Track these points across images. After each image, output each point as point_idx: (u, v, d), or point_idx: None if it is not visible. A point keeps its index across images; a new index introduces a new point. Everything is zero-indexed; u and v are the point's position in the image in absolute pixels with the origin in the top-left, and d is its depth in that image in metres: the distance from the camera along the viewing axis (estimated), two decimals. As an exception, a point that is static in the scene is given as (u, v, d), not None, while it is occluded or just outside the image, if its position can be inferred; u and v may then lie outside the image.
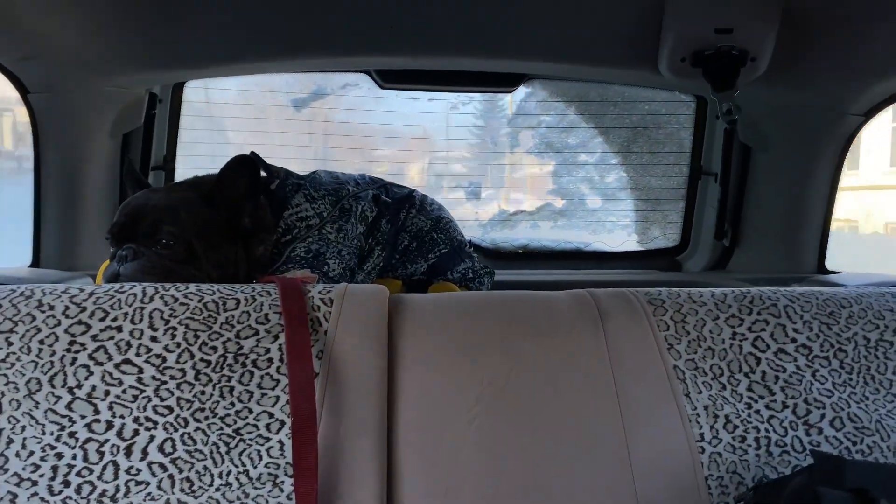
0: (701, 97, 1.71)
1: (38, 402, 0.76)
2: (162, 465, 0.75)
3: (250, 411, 0.78)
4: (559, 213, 1.87)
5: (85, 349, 0.78)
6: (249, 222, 1.08)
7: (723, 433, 0.85)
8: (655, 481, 0.82)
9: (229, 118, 1.74)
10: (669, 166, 1.79)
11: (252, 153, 1.14)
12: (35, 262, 1.39)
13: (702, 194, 1.76)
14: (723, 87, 1.19)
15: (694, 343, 0.90)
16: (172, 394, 0.78)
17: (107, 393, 0.77)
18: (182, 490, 0.75)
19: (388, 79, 1.62)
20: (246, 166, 1.07)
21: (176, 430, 0.77)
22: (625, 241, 1.87)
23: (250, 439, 0.77)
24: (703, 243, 1.77)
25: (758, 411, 0.86)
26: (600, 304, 0.93)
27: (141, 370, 0.78)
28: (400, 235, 1.28)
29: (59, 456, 0.74)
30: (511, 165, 1.89)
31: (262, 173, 1.15)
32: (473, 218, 1.87)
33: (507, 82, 1.65)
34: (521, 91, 1.74)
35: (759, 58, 1.16)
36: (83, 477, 0.74)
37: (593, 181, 1.84)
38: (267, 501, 0.75)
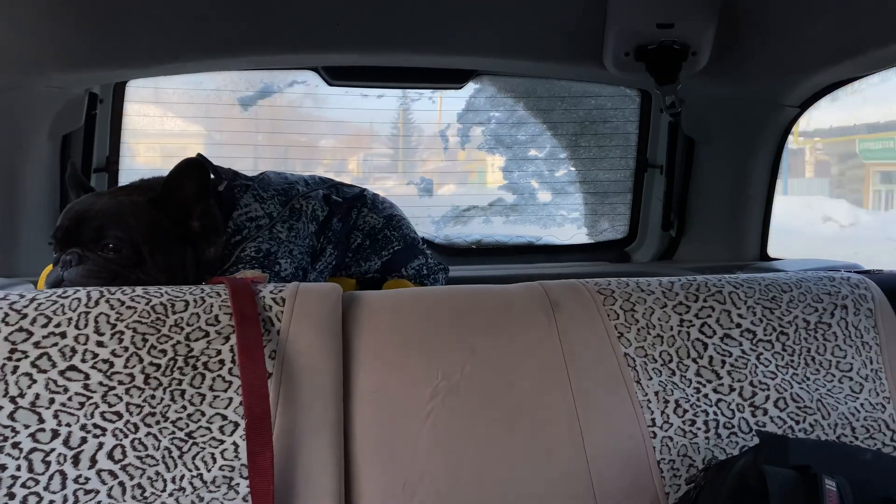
0: (646, 92, 1.74)
1: None
2: (112, 473, 0.73)
3: (203, 414, 0.77)
4: (511, 208, 1.89)
5: (27, 357, 0.76)
6: (198, 225, 1.06)
7: (673, 418, 0.87)
8: (610, 467, 0.84)
9: (174, 118, 1.70)
10: (616, 160, 1.83)
11: (199, 154, 1.12)
12: (-30, 270, 1.34)
13: (648, 187, 1.80)
14: (665, 80, 1.22)
15: (643, 331, 0.92)
16: (121, 399, 0.76)
17: (51, 401, 0.75)
18: (133, 497, 0.73)
19: (337, 75, 1.61)
20: (194, 169, 1.05)
21: (126, 435, 0.75)
22: (575, 234, 1.90)
23: (203, 442, 0.76)
24: (650, 234, 1.81)
25: (706, 395, 0.89)
26: (552, 296, 0.95)
27: (87, 376, 0.76)
28: (352, 234, 1.27)
29: (3, 468, 0.72)
30: (462, 161, 1.90)
31: (211, 175, 1.13)
32: (426, 215, 1.87)
33: (457, 78, 1.66)
34: (470, 87, 1.75)
35: (699, 52, 1.19)
36: (28, 488, 0.72)
37: (543, 176, 1.87)
38: (222, 504, 0.74)
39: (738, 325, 0.94)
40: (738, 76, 1.41)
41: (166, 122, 1.69)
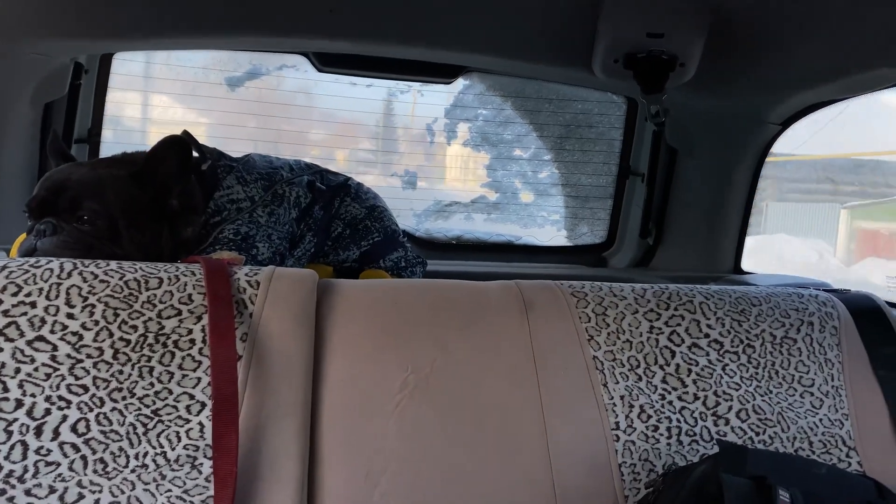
0: (632, 99, 1.76)
1: None
2: (74, 446, 0.73)
3: (170, 392, 0.77)
4: (493, 206, 1.90)
5: None
6: (177, 203, 1.05)
7: (637, 422, 0.88)
8: (572, 467, 0.85)
9: (159, 93, 1.68)
10: (599, 165, 1.84)
11: (184, 132, 1.11)
12: (-57, 234, 1.32)
13: (629, 193, 1.82)
14: (652, 89, 1.23)
15: (613, 335, 0.93)
16: (88, 373, 0.76)
17: (17, 370, 0.74)
18: (95, 471, 0.73)
19: (327, 62, 1.60)
20: (178, 146, 1.04)
21: (91, 409, 0.74)
22: (554, 235, 1.91)
23: (169, 420, 0.76)
24: (628, 241, 1.83)
25: (671, 402, 0.90)
26: (526, 295, 0.95)
27: (55, 347, 0.76)
28: (333, 222, 1.27)
29: (-37, 435, 0.71)
30: (447, 157, 1.90)
31: (195, 154, 1.12)
32: (408, 207, 1.88)
33: (446, 73, 1.66)
34: (460, 83, 1.75)
35: (687, 63, 1.21)
36: (-12, 457, 0.71)
37: (526, 176, 1.88)
38: (184, 483, 0.74)
39: (707, 336, 0.95)
40: (724, 90, 1.43)
41: (151, 97, 1.68)
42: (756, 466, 0.73)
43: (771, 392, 0.94)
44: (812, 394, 0.95)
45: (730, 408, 0.91)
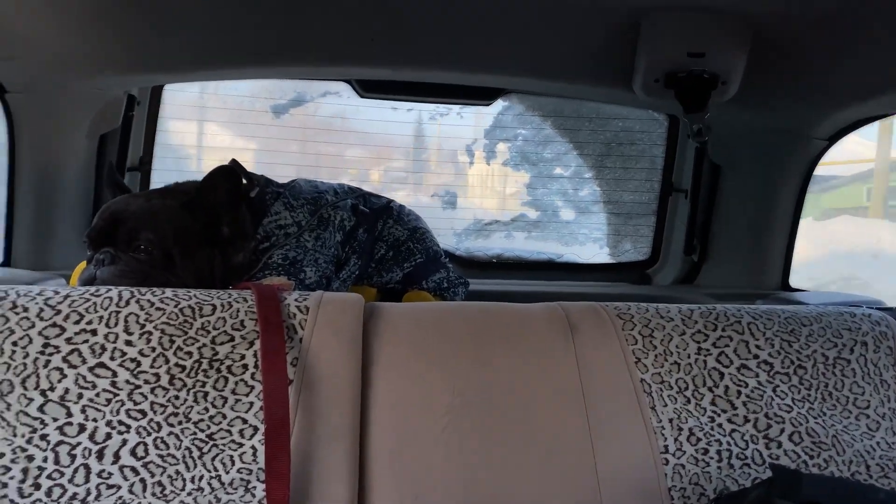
0: (674, 115, 1.75)
1: (9, 405, 0.76)
2: (134, 469, 0.75)
3: (224, 416, 0.79)
4: (533, 225, 1.90)
5: (59, 352, 0.78)
6: (228, 230, 1.08)
7: (686, 445, 0.87)
8: (620, 491, 0.84)
9: (207, 122, 1.74)
10: (641, 182, 1.83)
11: (233, 161, 1.15)
12: (6, 262, 1.37)
13: (672, 210, 1.80)
14: (694, 108, 1.22)
15: (661, 357, 0.92)
16: (146, 398, 0.78)
17: (80, 396, 0.77)
18: (154, 494, 0.75)
19: (369, 88, 1.63)
20: (227, 175, 1.07)
21: (149, 434, 0.77)
22: (596, 253, 1.90)
23: (223, 444, 0.78)
24: (672, 258, 1.81)
25: (720, 425, 0.89)
26: (571, 317, 0.95)
27: (115, 374, 0.78)
28: (377, 245, 1.29)
29: (30, 458, 0.74)
30: (487, 176, 1.92)
31: (243, 181, 1.16)
32: (448, 227, 1.89)
33: (486, 95, 1.67)
34: (499, 104, 1.77)
35: (729, 82, 1.19)
36: (54, 480, 0.74)
37: (567, 194, 1.88)
38: (238, 506, 0.76)
39: (756, 357, 0.94)
40: (767, 107, 1.41)
41: (199, 126, 1.73)
42: (812, 492, 0.71)
43: (825, 414, 0.92)
44: (868, 416, 0.93)
45: (782, 430, 0.89)
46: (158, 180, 1.59)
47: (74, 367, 0.78)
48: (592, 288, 1.73)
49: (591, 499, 0.84)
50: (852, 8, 1.03)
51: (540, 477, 0.84)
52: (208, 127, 1.75)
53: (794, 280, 1.65)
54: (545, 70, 1.38)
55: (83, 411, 0.77)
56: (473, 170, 1.91)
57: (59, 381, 0.77)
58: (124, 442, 0.76)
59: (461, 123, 1.84)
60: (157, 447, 0.77)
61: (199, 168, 1.69)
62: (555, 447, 0.86)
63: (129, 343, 0.80)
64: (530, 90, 1.68)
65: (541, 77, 1.41)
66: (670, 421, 0.88)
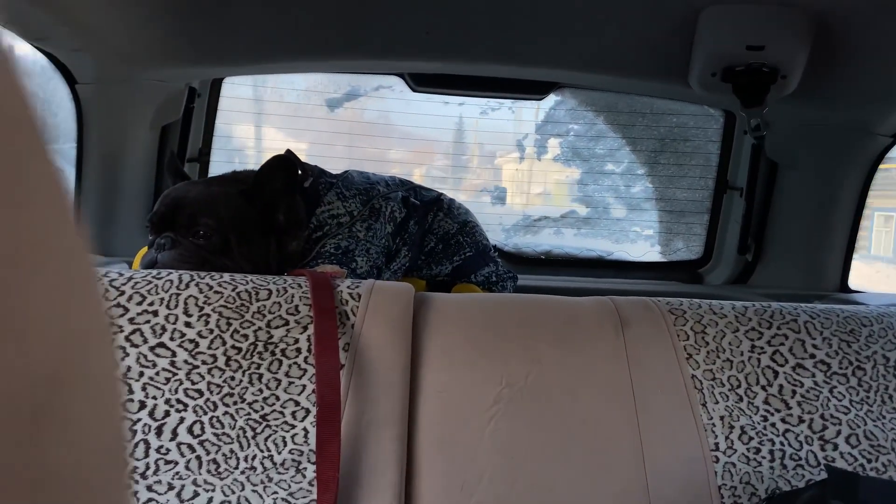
0: (729, 112, 1.71)
1: None
2: (190, 447, 0.78)
3: (277, 398, 0.81)
4: (583, 221, 1.89)
5: (122, 331, 0.82)
6: (283, 218, 1.11)
7: (738, 444, 0.86)
8: (669, 488, 0.84)
9: (264, 115, 1.78)
10: (695, 179, 1.80)
11: (288, 151, 1.18)
12: (72, 247, 1.43)
13: (726, 208, 1.76)
14: (752, 103, 1.20)
15: (713, 354, 0.91)
16: (203, 378, 0.81)
17: (141, 374, 0.80)
18: (209, 471, 0.77)
19: (421, 82, 1.64)
20: (284, 165, 1.10)
21: (205, 413, 0.80)
22: (647, 251, 1.88)
23: (276, 425, 0.80)
24: (725, 257, 1.77)
25: (773, 424, 0.87)
26: (621, 312, 0.95)
27: (174, 354, 0.81)
28: (426, 237, 1.30)
29: (95, 432, 0.78)
30: (537, 172, 1.91)
31: (298, 171, 1.18)
32: (497, 222, 1.89)
33: (538, 90, 1.67)
34: (551, 99, 1.75)
35: (789, 76, 1.16)
36: (116, 453, 0.77)
37: (619, 190, 1.86)
38: (289, 486, 0.78)
39: (812, 356, 0.91)
40: (828, 101, 1.37)
41: (256, 119, 1.77)
42: (869, 495, 0.70)
43: (884, 417, 0.89)
44: (930, 421, 0.90)
45: (838, 432, 0.87)
46: (217, 171, 1.63)
47: (136, 346, 0.81)
48: (643, 286, 1.71)
49: (639, 494, 0.83)
50: None
51: (586, 470, 0.84)
52: (265, 119, 1.79)
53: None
54: (600, 64, 1.37)
55: (143, 389, 0.80)
56: (524, 165, 1.90)
57: (122, 359, 0.81)
58: (181, 420, 0.79)
59: (512, 118, 1.84)
60: (212, 426, 0.79)
61: (256, 159, 1.73)
62: (602, 441, 0.86)
63: (188, 325, 0.83)
64: (584, 84, 1.66)
65: (595, 71, 1.40)
66: (721, 419, 0.87)
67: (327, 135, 1.79)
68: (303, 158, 1.23)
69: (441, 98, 1.74)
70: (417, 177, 1.89)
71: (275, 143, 1.79)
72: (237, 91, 1.69)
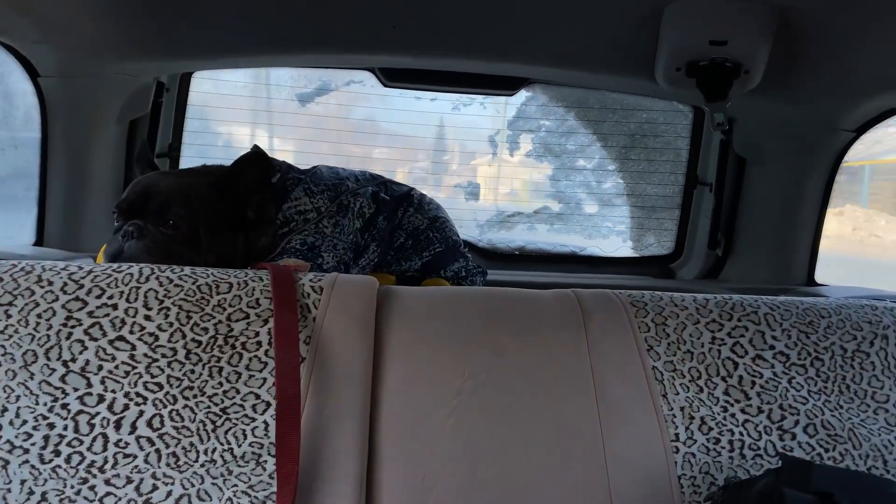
0: (698, 107, 1.73)
1: (33, 374, 0.78)
2: (149, 440, 0.78)
3: (237, 391, 0.81)
4: (556, 217, 1.90)
5: (81, 325, 0.81)
6: (253, 214, 1.10)
7: (697, 434, 0.87)
8: (629, 477, 0.84)
9: (234, 109, 1.77)
10: (666, 174, 1.82)
11: (255, 147, 1.17)
12: (38, 242, 1.42)
13: (697, 204, 1.78)
14: (715, 97, 1.21)
15: (673, 345, 0.92)
16: (163, 371, 0.80)
17: (100, 367, 0.79)
18: (168, 464, 0.77)
19: (392, 77, 1.64)
20: (257, 161, 1.09)
21: (165, 406, 0.79)
22: (620, 246, 1.89)
23: (236, 419, 0.80)
24: (696, 252, 1.79)
25: (733, 415, 0.88)
26: (584, 304, 0.95)
27: (134, 347, 0.81)
28: (396, 233, 1.30)
29: (52, 426, 0.77)
30: (510, 167, 1.92)
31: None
32: (471, 218, 1.90)
33: (509, 85, 1.67)
34: (522, 95, 1.76)
35: (752, 70, 1.18)
36: (73, 447, 0.76)
37: (590, 186, 1.87)
38: (249, 479, 0.78)
39: (772, 347, 0.93)
40: (792, 97, 1.39)
41: (227, 113, 1.76)
42: (821, 482, 0.71)
43: (841, 407, 0.91)
44: (887, 410, 0.91)
45: (796, 422, 0.89)
46: (187, 166, 1.62)
47: (95, 339, 0.81)
48: (614, 281, 1.72)
49: (599, 484, 0.84)
50: None
51: (548, 461, 0.85)
52: (235, 114, 1.78)
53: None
54: (568, 59, 1.38)
55: (102, 382, 0.79)
56: (496, 161, 1.91)
57: (81, 352, 0.80)
58: (141, 413, 0.78)
59: (484, 114, 1.85)
60: (172, 419, 0.79)
61: (226, 154, 1.72)
62: (564, 432, 0.86)
63: (147, 318, 0.82)
64: (553, 80, 1.67)
65: (564, 66, 1.41)
66: (682, 409, 0.88)
67: (298, 130, 1.78)
68: (275, 153, 1.22)
69: (413, 93, 1.74)
70: (388, 172, 1.88)
71: (245, 139, 1.78)
72: (206, 86, 1.68)
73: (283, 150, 1.79)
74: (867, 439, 0.89)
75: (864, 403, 0.91)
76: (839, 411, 0.90)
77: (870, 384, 0.92)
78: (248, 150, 1.12)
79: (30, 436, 0.76)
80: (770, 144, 1.55)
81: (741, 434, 0.87)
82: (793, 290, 1.51)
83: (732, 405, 0.89)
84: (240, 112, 1.78)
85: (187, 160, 1.66)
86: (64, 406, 0.78)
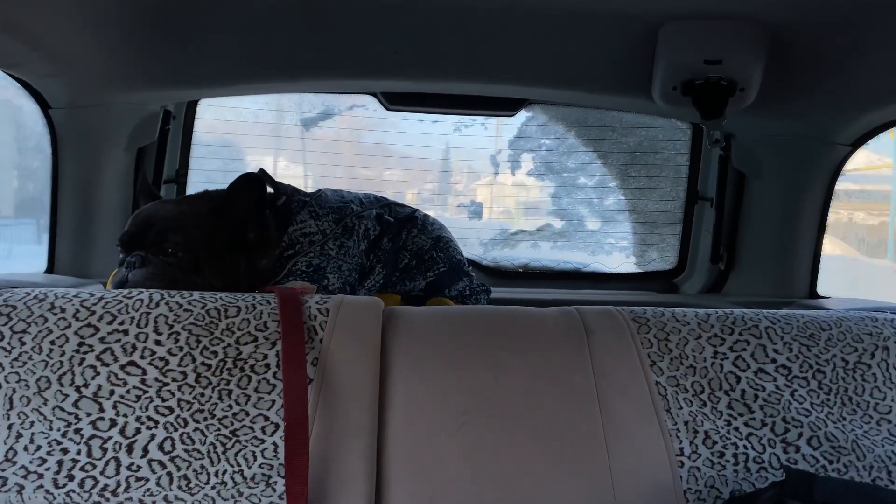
0: (697, 124, 1.75)
1: (46, 400, 0.80)
2: (161, 463, 0.79)
3: (247, 414, 0.82)
4: (559, 234, 1.91)
5: (93, 350, 0.83)
6: (254, 236, 1.12)
7: (702, 448, 0.88)
8: (635, 492, 0.85)
9: (240, 135, 1.80)
10: (666, 190, 1.83)
11: (260, 170, 1.19)
12: (50, 269, 1.44)
13: (698, 219, 1.80)
14: (711, 115, 1.23)
15: (676, 361, 0.93)
16: (174, 395, 0.82)
17: (112, 392, 0.81)
18: (180, 487, 0.78)
19: (394, 101, 1.67)
20: (253, 183, 1.12)
21: (176, 429, 0.80)
22: (623, 262, 1.90)
23: (246, 440, 0.81)
24: (699, 266, 1.80)
25: (737, 428, 0.89)
26: (586, 321, 0.97)
27: (145, 372, 0.82)
28: (401, 254, 1.31)
29: (65, 451, 0.78)
30: (512, 186, 1.94)
31: (270, 189, 1.20)
32: (475, 237, 1.91)
33: (509, 106, 1.70)
34: (523, 115, 1.79)
35: (747, 88, 1.20)
36: (86, 472, 0.78)
37: (592, 203, 1.89)
38: (259, 500, 0.79)
39: (774, 361, 0.94)
40: (788, 113, 1.41)
41: (233, 139, 1.79)
42: (824, 494, 0.72)
43: (844, 419, 0.91)
44: (889, 421, 0.92)
45: (800, 435, 0.89)
46: (194, 191, 1.65)
47: (107, 364, 0.82)
48: (618, 297, 1.73)
49: (605, 499, 0.85)
50: (870, 10, 1.03)
51: (554, 478, 0.85)
52: (241, 140, 1.81)
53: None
54: (565, 80, 1.40)
55: (114, 407, 0.81)
56: (498, 180, 1.93)
57: (93, 378, 0.81)
58: (152, 437, 0.80)
59: (485, 135, 1.87)
60: (183, 442, 0.80)
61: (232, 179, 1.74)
62: (569, 448, 0.87)
63: (158, 343, 0.84)
64: (552, 100, 1.70)
65: (561, 87, 1.43)
66: (685, 424, 0.89)
67: (303, 153, 1.81)
68: (281, 178, 1.24)
69: (415, 116, 1.77)
70: (394, 193, 1.91)
71: (252, 163, 1.81)
72: (212, 113, 1.71)
73: (291, 175, 1.82)
74: (871, 451, 0.89)
75: (866, 415, 0.92)
76: (842, 423, 0.91)
77: (872, 395, 0.93)
78: (248, 171, 1.14)
79: (44, 461, 0.78)
80: (768, 159, 1.57)
81: (745, 447, 0.88)
82: (795, 302, 1.52)
83: (736, 419, 0.90)
84: (246, 137, 1.81)
85: (194, 185, 1.68)
86: (77, 431, 0.79)
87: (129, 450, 0.79)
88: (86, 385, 0.81)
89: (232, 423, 0.82)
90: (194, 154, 1.69)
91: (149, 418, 0.81)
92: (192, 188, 1.68)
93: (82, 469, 0.78)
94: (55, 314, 0.85)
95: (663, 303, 1.53)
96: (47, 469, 0.78)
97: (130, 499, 0.77)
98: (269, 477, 0.80)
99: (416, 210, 1.38)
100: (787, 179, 1.56)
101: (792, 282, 1.60)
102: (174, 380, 0.82)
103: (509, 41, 1.24)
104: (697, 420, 0.89)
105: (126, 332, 0.84)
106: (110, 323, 0.85)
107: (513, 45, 1.26)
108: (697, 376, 0.92)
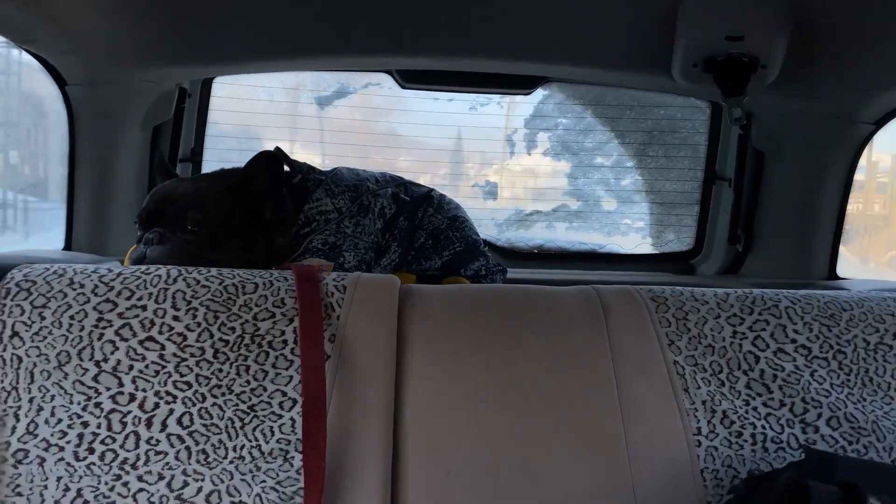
0: (716, 103, 1.72)
1: (66, 374, 0.81)
2: (180, 437, 0.80)
3: (265, 389, 0.83)
4: (575, 215, 1.90)
5: (112, 325, 0.83)
6: (271, 214, 1.12)
7: (720, 428, 0.87)
8: (651, 471, 0.85)
9: (254, 113, 1.79)
10: (684, 171, 1.81)
11: (276, 148, 1.19)
12: (67, 246, 1.45)
13: (716, 199, 1.78)
14: (733, 92, 1.21)
15: (694, 340, 0.92)
16: (192, 370, 0.82)
17: (130, 367, 0.82)
18: (198, 461, 0.79)
19: (409, 79, 1.66)
20: (269, 161, 1.12)
21: (194, 404, 0.81)
22: (639, 243, 1.89)
23: (264, 416, 0.82)
24: (716, 247, 1.78)
25: (755, 408, 0.89)
26: (604, 300, 0.96)
27: (163, 347, 0.83)
28: (416, 233, 1.31)
29: (85, 424, 0.79)
30: (528, 166, 1.92)
31: (286, 168, 1.20)
32: (490, 217, 1.90)
33: (526, 84, 1.68)
34: (539, 93, 1.76)
35: (769, 65, 1.18)
36: (106, 445, 0.79)
37: (609, 183, 1.87)
38: (277, 475, 0.79)
39: (793, 341, 0.93)
40: (810, 91, 1.38)
41: (248, 118, 1.79)
42: (846, 474, 0.71)
43: (865, 400, 0.91)
44: (911, 402, 0.91)
45: (819, 415, 0.89)
46: (209, 170, 1.65)
47: (126, 339, 0.83)
48: (634, 277, 1.72)
49: (622, 478, 0.85)
50: None
51: (571, 455, 0.85)
52: (255, 118, 1.80)
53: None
54: (584, 57, 1.38)
55: (133, 381, 0.81)
56: (514, 160, 1.92)
57: (112, 352, 0.82)
58: (171, 411, 0.81)
59: (501, 113, 1.85)
60: (201, 417, 0.81)
61: (248, 158, 1.75)
62: (586, 426, 0.87)
63: (176, 318, 0.84)
64: (570, 78, 1.67)
65: (580, 64, 1.41)
66: (703, 403, 0.88)
67: (318, 132, 1.80)
68: (296, 156, 1.24)
69: (430, 94, 1.76)
70: (409, 172, 1.90)
71: (266, 141, 1.81)
72: (227, 91, 1.70)
73: (305, 153, 1.82)
74: (891, 431, 0.88)
75: (887, 396, 0.91)
76: (862, 404, 0.90)
77: (893, 377, 0.92)
78: (265, 150, 1.14)
79: (65, 434, 0.79)
80: (789, 139, 1.54)
81: (763, 427, 0.88)
82: (814, 284, 1.50)
83: (754, 398, 0.89)
84: (260, 115, 1.80)
85: (210, 164, 1.68)
86: (97, 405, 0.80)
87: (149, 424, 0.80)
88: (105, 360, 0.82)
89: (250, 399, 0.82)
90: (209, 132, 1.69)
91: (167, 393, 0.81)
92: (208, 166, 1.68)
93: (102, 442, 0.79)
94: (74, 289, 0.85)
95: (680, 283, 1.52)
96: (68, 442, 0.79)
97: (150, 472, 0.78)
98: (287, 452, 0.80)
99: (431, 189, 1.38)
100: (808, 159, 1.53)
101: (811, 263, 1.58)
102: (192, 355, 0.83)
103: (528, 17, 1.22)
104: (715, 399, 0.89)
105: (144, 308, 0.85)
106: (129, 298, 0.85)
107: (532, 22, 1.24)
108: (716, 356, 0.91)
